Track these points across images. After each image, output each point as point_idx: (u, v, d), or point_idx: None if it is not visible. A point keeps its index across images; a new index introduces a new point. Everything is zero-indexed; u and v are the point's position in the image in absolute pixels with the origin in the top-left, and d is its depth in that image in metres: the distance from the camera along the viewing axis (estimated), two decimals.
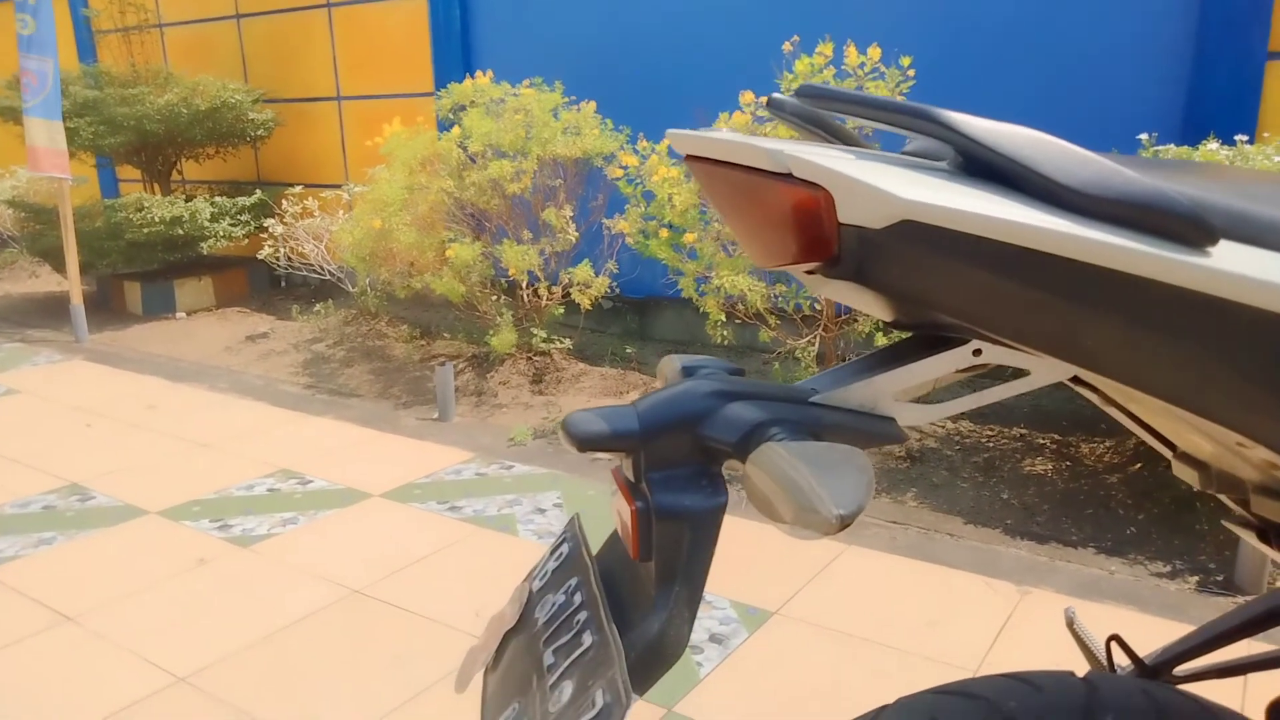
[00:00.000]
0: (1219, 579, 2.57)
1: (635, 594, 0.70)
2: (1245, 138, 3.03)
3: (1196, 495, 2.99)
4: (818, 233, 0.63)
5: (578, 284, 4.18)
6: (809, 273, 0.69)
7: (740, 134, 0.70)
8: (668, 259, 3.56)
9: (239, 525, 2.95)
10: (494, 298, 4.57)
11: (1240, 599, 2.49)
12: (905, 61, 3.13)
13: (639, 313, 5.31)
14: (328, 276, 5.37)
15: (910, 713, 0.77)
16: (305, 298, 6.10)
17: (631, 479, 0.70)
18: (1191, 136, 3.14)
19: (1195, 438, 0.76)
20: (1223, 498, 0.90)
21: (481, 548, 2.78)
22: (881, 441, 0.67)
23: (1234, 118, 3.57)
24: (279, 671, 2.16)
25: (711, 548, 0.67)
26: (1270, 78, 3.56)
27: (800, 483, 0.55)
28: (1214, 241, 0.57)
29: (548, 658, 0.71)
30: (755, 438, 0.64)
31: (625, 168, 3.66)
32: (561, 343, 4.57)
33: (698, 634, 2.27)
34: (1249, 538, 0.94)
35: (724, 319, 3.62)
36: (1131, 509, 2.99)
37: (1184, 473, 0.86)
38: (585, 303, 4.21)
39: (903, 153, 0.73)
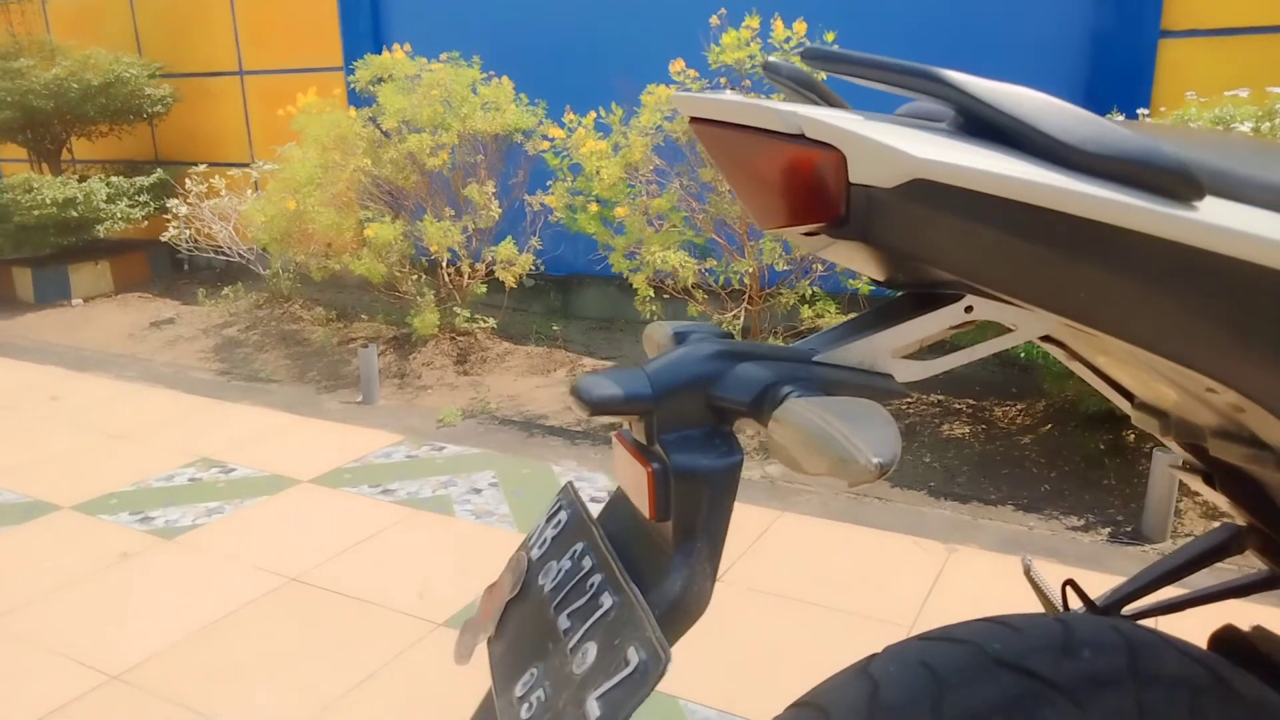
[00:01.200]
0: (1128, 529, 2.73)
1: (648, 554, 0.71)
2: (1145, 111, 3.19)
3: (1104, 453, 3.16)
4: (826, 193, 0.65)
5: (502, 261, 4.14)
6: (809, 234, 0.71)
7: (744, 96, 0.72)
8: (597, 234, 3.56)
9: (161, 517, 2.85)
10: (415, 277, 4.49)
11: (1146, 547, 2.65)
12: (830, 37, 3.19)
13: (562, 290, 5.29)
14: (236, 259, 5.18)
15: (901, 660, 0.80)
16: (211, 281, 5.88)
17: (644, 441, 0.70)
18: (1095, 111, 3.29)
19: (1161, 387, 0.81)
20: (1172, 446, 0.96)
21: (418, 530, 2.75)
22: (884, 397, 0.70)
23: (1132, 92, 3.75)
24: (219, 663, 2.10)
25: (730, 504, 0.68)
26: (1163, 54, 3.75)
27: (834, 435, 0.57)
28: (1201, 197, 0.61)
29: (562, 622, 0.71)
30: (770, 396, 0.65)
31: (551, 140, 3.63)
32: (485, 322, 4.53)
33: None
34: (1195, 483, 1.00)
35: (652, 294, 3.64)
36: (1045, 467, 3.14)
37: (1143, 421, 0.91)
38: (510, 280, 4.17)
39: (898, 114, 0.76)
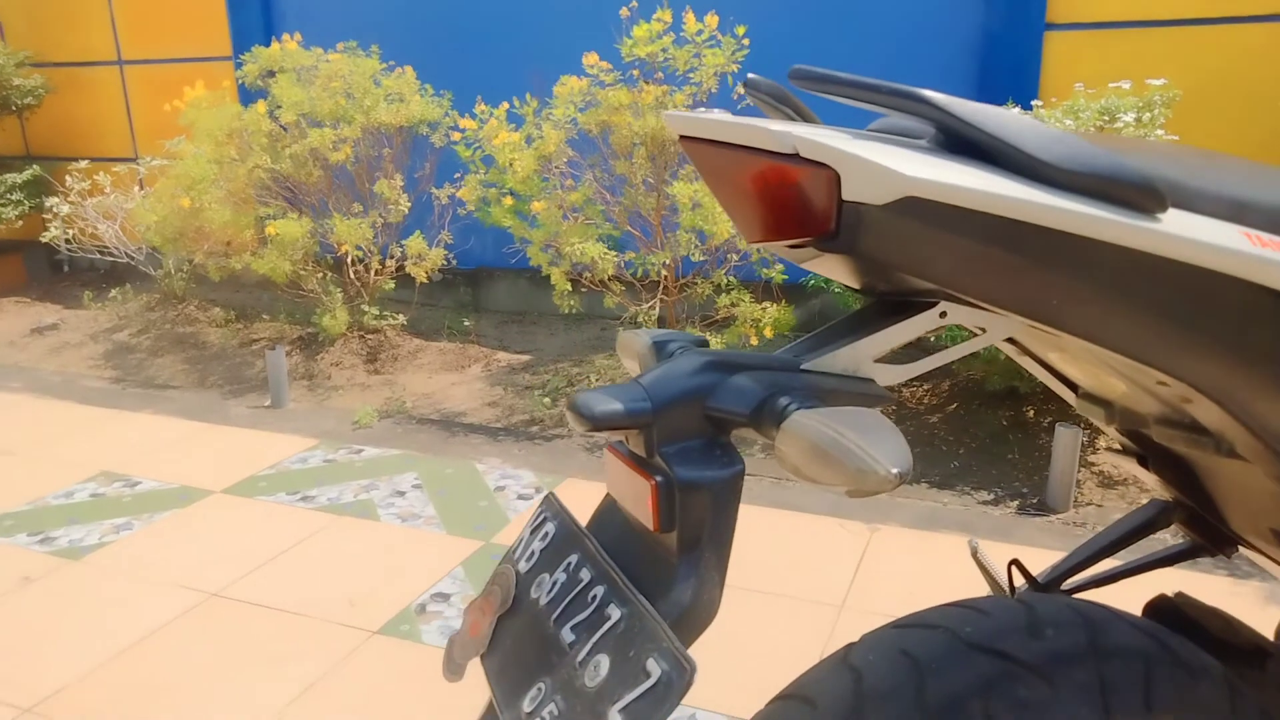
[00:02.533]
0: (1034, 501, 2.88)
1: (647, 565, 0.72)
2: (1038, 102, 3.35)
3: (1007, 429, 3.32)
4: (817, 209, 0.67)
5: (413, 256, 4.06)
6: (796, 246, 0.73)
7: (736, 116, 0.73)
8: (514, 227, 3.52)
9: (64, 536, 2.70)
10: (320, 275, 4.36)
11: (1052, 518, 2.81)
12: (740, 30, 3.23)
13: (471, 284, 5.22)
14: (123, 259, 4.93)
15: (880, 649, 0.84)
16: (95, 283, 5.58)
17: (643, 454, 0.71)
18: (989, 102, 3.43)
19: (1110, 380, 0.86)
20: (1111, 431, 1.02)
21: (343, 536, 2.69)
22: (875, 403, 0.72)
23: (1021, 84, 3.92)
24: (143, 688, 2.01)
25: (735, 512, 0.70)
26: (1049, 47, 3.93)
27: (850, 447, 0.59)
28: (1165, 209, 0.66)
29: (566, 635, 0.72)
30: (769, 407, 0.67)
31: (463, 132, 3.58)
32: (394, 319, 4.44)
33: None
34: (1129, 464, 1.07)
35: (569, 288, 3.63)
36: (953, 445, 3.28)
37: (1087, 410, 0.97)
38: (422, 275, 4.10)
39: (871, 129, 0.78)
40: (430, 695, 1.97)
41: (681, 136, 0.75)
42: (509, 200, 3.54)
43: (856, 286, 0.79)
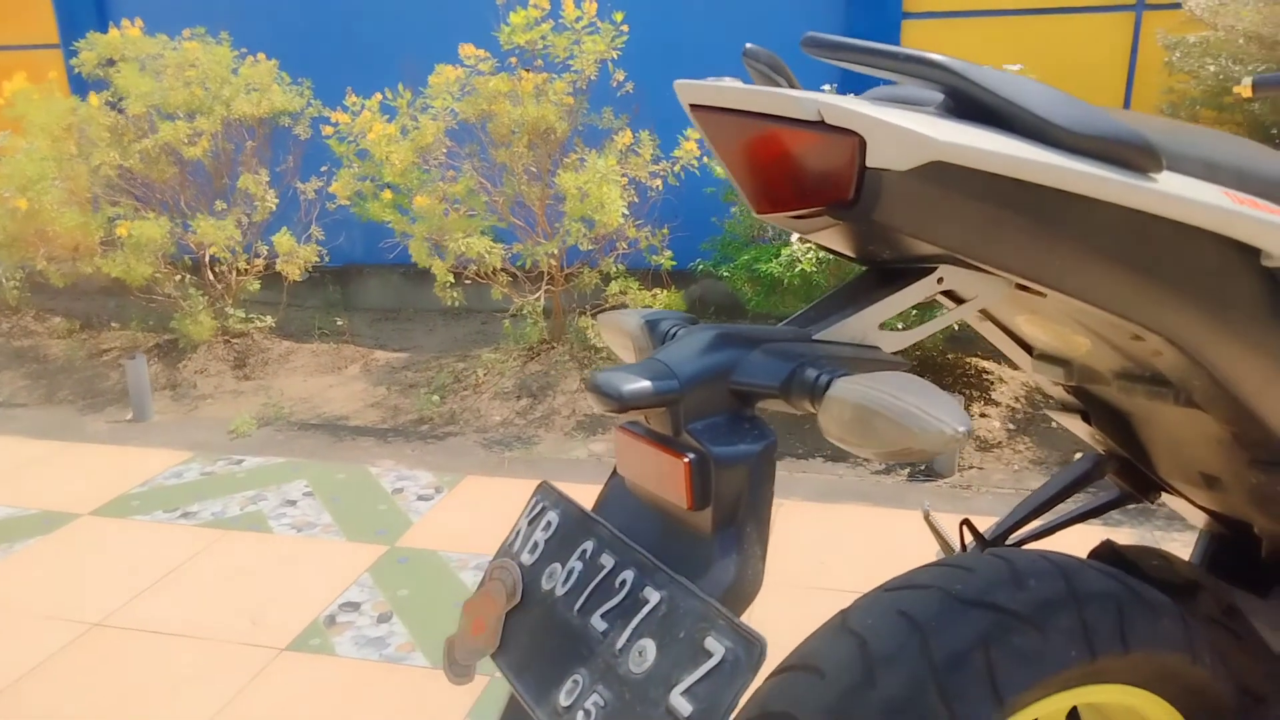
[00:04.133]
0: (921, 469, 3.01)
1: (676, 546, 0.71)
2: None
3: None
4: (838, 176, 0.67)
5: (283, 255, 3.86)
6: (805, 216, 0.72)
7: (749, 85, 0.72)
8: (394, 222, 3.40)
9: None
10: (178, 278, 4.09)
11: (939, 482, 2.95)
12: (618, 17, 3.22)
13: (341, 282, 5.02)
14: None
15: (877, 612, 0.85)
16: None
17: (668, 433, 0.70)
18: (844, 92, 3.55)
19: (1077, 338, 0.91)
20: (1057, 391, 1.08)
21: (234, 551, 2.53)
22: (894, 369, 0.73)
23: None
24: None
25: (772, 485, 0.69)
26: (907, 35, 4.11)
27: (909, 409, 0.59)
28: (1160, 169, 0.70)
29: (597, 624, 0.69)
30: (799, 378, 0.67)
31: (335, 125, 3.42)
32: (261, 321, 4.22)
33: None
34: (1072, 422, 1.13)
35: (453, 281, 3.54)
36: None
37: (1041, 369, 1.02)
38: (294, 273, 3.92)
39: (870, 96, 0.79)
40: (352, 708, 1.88)
41: (691, 105, 0.74)
42: (387, 194, 3.41)
43: (853, 255, 0.80)
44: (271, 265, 3.95)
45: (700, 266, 3.50)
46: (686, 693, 0.61)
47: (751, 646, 0.60)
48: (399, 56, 3.63)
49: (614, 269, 3.46)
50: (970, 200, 0.67)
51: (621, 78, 3.42)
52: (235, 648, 2.10)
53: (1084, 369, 0.97)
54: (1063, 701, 0.89)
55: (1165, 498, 1.23)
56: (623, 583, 0.70)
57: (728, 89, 0.70)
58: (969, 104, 0.68)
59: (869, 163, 0.65)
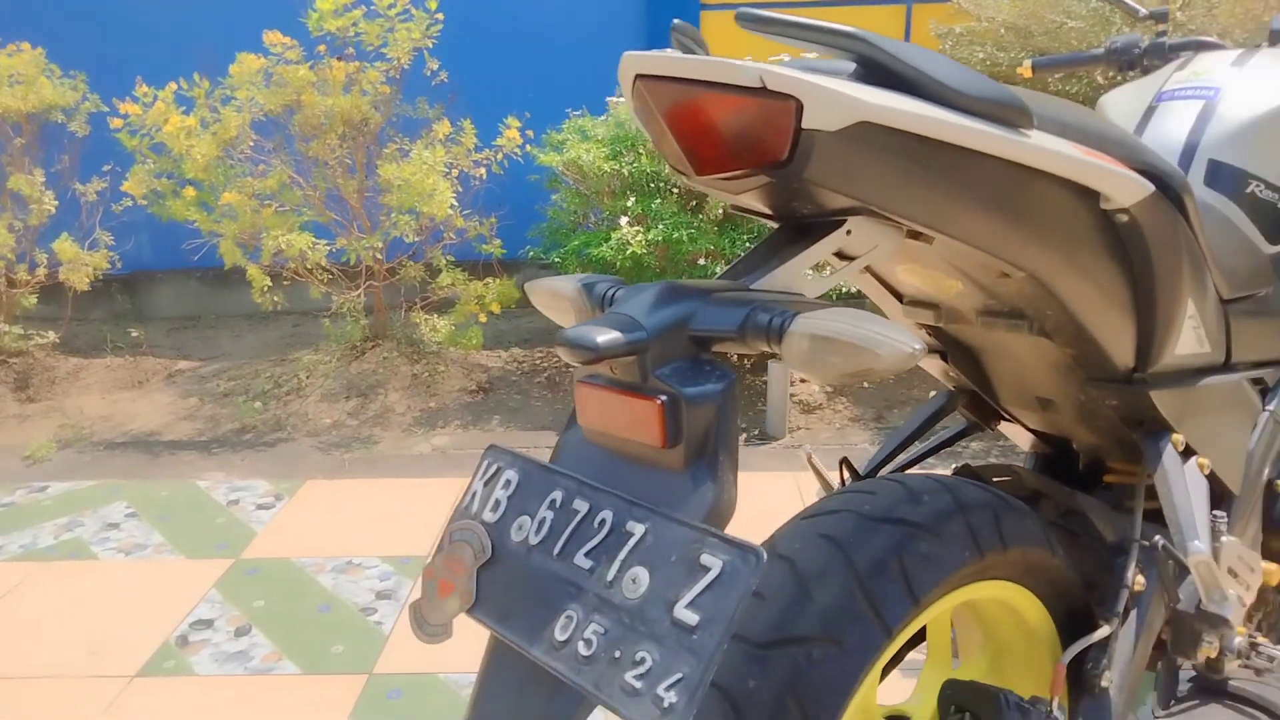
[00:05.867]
0: (756, 433, 3.20)
1: (646, 485, 0.76)
2: None
3: None
4: (775, 138, 0.74)
5: (67, 262, 3.54)
6: (736, 178, 0.79)
7: (696, 55, 0.77)
8: (200, 221, 3.20)
9: None
10: None
11: (773, 444, 3.14)
12: (432, 5, 3.18)
13: (129, 291, 4.66)
14: None
15: (801, 537, 0.94)
16: None
17: (637, 380, 0.75)
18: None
19: (950, 281, 1.03)
20: (922, 332, 1.21)
21: (57, 583, 2.33)
22: (826, 308, 0.81)
23: None
24: None
25: (737, 417, 0.75)
26: (706, 26, 4.30)
27: (871, 335, 0.67)
28: (1032, 126, 0.82)
29: (581, 562, 0.73)
30: (753, 322, 0.74)
31: (125, 117, 3.17)
32: (43, 337, 3.85)
33: (365, 597, 2.22)
34: (930, 363, 1.28)
35: (269, 283, 3.38)
36: None
37: (912, 314, 1.14)
38: (80, 283, 3.60)
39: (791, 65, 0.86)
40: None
41: (638, 75, 0.79)
42: (190, 192, 3.21)
43: (770, 213, 0.88)
44: (54, 275, 3.61)
45: (531, 254, 3.53)
46: (690, 605, 0.66)
47: (748, 555, 0.66)
48: (194, 44, 3.40)
49: (442, 261, 3.42)
50: (887, 156, 0.77)
51: (435, 66, 3.38)
52: (77, 682, 1.94)
53: (950, 310, 1.10)
54: (957, 599, 1.02)
55: (1003, 426, 1.40)
56: (602, 522, 0.74)
57: (678, 59, 0.76)
58: (879, 72, 0.77)
59: (805, 124, 0.73)
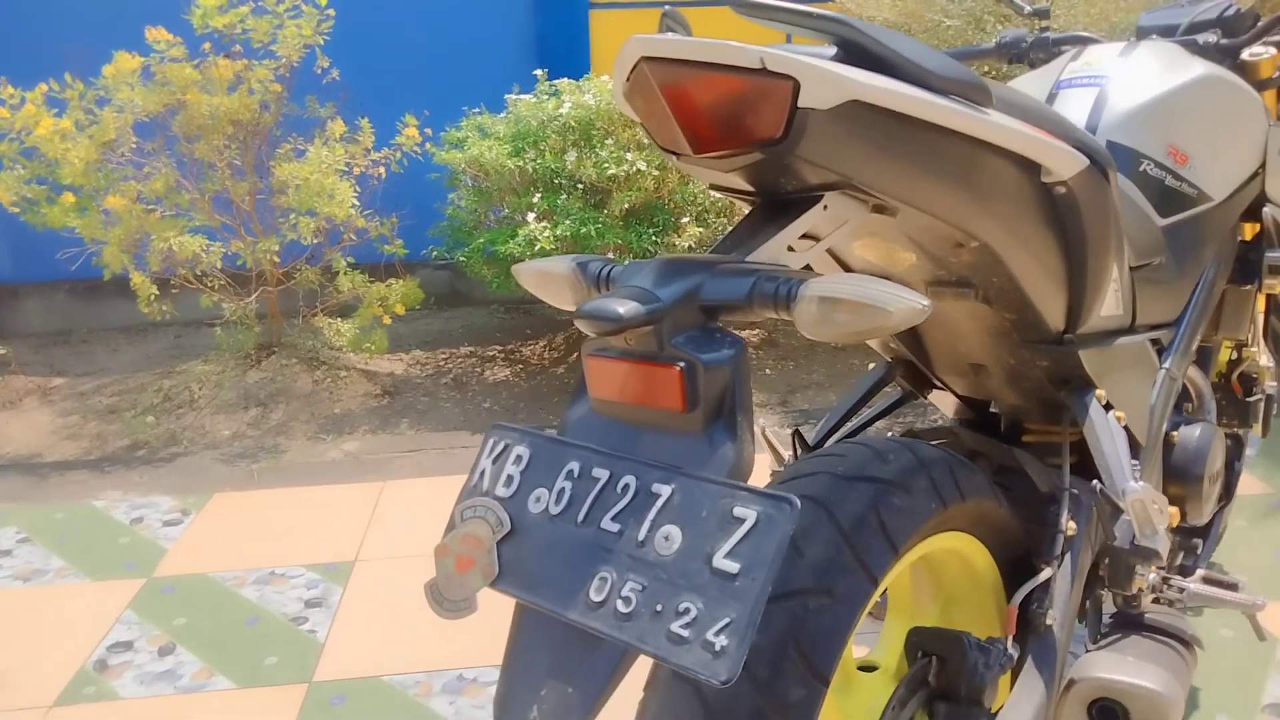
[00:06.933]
0: None
1: (663, 448, 0.79)
2: (589, 75, 3.70)
3: None
4: (771, 116, 0.79)
5: None
6: (729, 156, 0.83)
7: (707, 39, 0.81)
8: (80, 228, 3.03)
9: None
10: None
11: None
12: (323, 1, 3.11)
13: None
14: None
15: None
16: None
17: (653, 349, 0.78)
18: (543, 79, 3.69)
19: (904, 254, 1.10)
20: None
21: None
22: (818, 275, 0.86)
23: (575, 59, 4.28)
24: None
25: (749, 380, 0.80)
26: (595, 24, 4.34)
27: (880, 294, 0.72)
28: (991, 105, 0.89)
29: (610, 525, 0.76)
30: (759, 290, 0.78)
31: None
32: None
33: (294, 607, 2.17)
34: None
35: (157, 291, 3.23)
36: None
37: None
38: None
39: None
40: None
41: (643, 58, 0.82)
42: (69, 198, 3.03)
43: (752, 191, 0.93)
44: None
45: (434, 253, 3.49)
46: (729, 555, 0.70)
47: (782, 504, 0.70)
48: (65, 43, 3.21)
49: (341, 263, 3.34)
50: (869, 133, 0.83)
51: (326, 64, 3.31)
52: (9, 716, 1.83)
53: (899, 282, 1.17)
54: (924, 549, 1.10)
55: (934, 395, 1.50)
56: (625, 487, 0.77)
57: (686, 42, 0.79)
58: (859, 54, 0.83)
59: (801, 103, 0.78)
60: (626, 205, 3.18)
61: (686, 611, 0.70)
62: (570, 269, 0.91)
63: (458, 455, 3.02)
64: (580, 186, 3.22)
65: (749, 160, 0.84)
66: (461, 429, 3.26)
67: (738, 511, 0.72)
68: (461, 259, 3.32)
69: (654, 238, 3.17)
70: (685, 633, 0.70)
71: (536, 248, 3.07)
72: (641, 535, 0.75)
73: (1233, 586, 1.45)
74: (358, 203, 3.15)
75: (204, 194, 3.29)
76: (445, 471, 2.89)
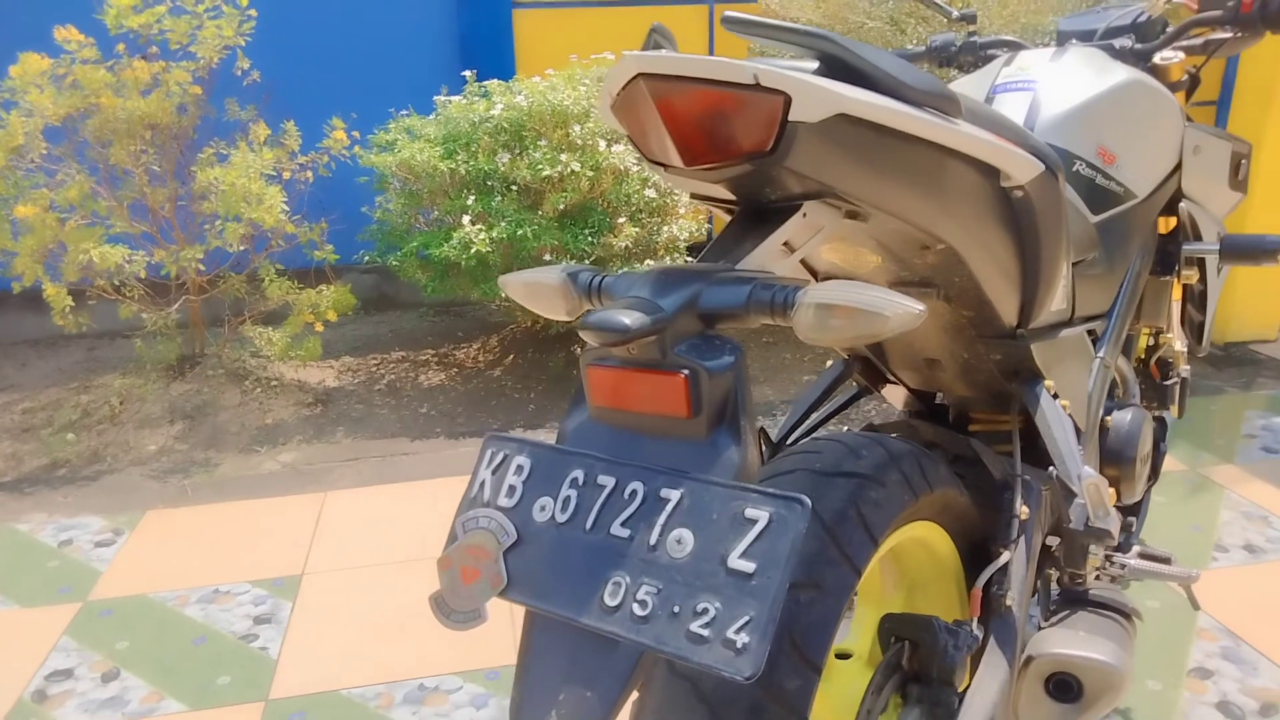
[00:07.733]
0: None
1: (666, 454, 0.81)
2: (518, 75, 3.69)
3: (565, 366, 3.68)
4: (762, 129, 0.81)
5: None
6: (720, 167, 0.86)
7: (698, 56, 0.82)
8: None
9: None
10: None
11: None
12: (244, 2, 3.02)
13: None
14: None
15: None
16: None
17: (656, 358, 0.80)
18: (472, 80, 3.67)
19: (870, 257, 1.15)
20: None
21: None
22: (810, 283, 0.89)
23: (500, 60, 4.26)
24: None
25: (749, 386, 0.82)
26: (519, 24, 4.32)
27: (877, 300, 0.75)
28: (961, 115, 0.94)
29: (620, 531, 0.77)
30: (756, 299, 0.80)
31: None
32: None
33: (242, 624, 2.11)
34: None
35: (72, 303, 3.10)
36: (524, 391, 3.56)
37: None
38: None
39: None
40: None
41: (639, 73, 0.83)
42: None
43: (735, 200, 0.96)
44: None
45: (366, 258, 3.43)
46: (743, 555, 0.72)
47: (793, 504, 0.73)
48: None
49: (270, 270, 3.26)
50: (852, 144, 0.86)
51: (247, 65, 3.22)
52: None
53: (869, 280, 1.22)
54: (897, 539, 1.14)
55: (887, 389, 1.56)
56: (633, 493, 0.79)
57: (681, 58, 0.81)
58: (840, 69, 0.86)
59: (791, 117, 0.81)
60: (562, 206, 3.18)
61: (705, 611, 0.72)
62: (561, 280, 0.93)
63: (399, 462, 2.98)
64: (514, 188, 3.21)
65: (737, 171, 0.87)
66: (400, 435, 3.22)
67: (749, 513, 0.74)
68: (394, 263, 3.28)
69: (590, 238, 3.18)
70: (705, 632, 0.72)
71: (472, 250, 3.05)
72: (653, 539, 0.77)
73: (1166, 560, 1.54)
74: (286, 208, 3.07)
75: (121, 201, 3.17)
76: (387, 479, 2.86)
